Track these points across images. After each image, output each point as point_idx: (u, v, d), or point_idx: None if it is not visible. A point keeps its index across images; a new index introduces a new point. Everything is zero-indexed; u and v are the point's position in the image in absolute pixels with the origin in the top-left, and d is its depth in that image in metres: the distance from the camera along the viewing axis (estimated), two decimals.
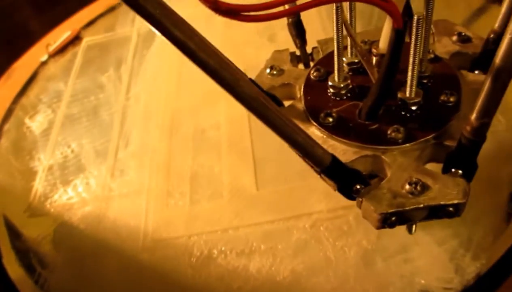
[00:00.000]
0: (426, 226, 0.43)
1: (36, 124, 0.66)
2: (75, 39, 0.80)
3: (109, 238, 0.50)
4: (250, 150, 0.54)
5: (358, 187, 0.33)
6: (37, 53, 0.80)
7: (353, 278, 0.41)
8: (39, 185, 0.57)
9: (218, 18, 0.68)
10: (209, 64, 0.25)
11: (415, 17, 0.30)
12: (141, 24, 0.79)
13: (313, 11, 0.35)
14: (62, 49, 0.79)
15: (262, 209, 0.48)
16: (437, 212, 0.31)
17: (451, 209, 0.31)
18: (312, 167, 0.33)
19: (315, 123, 0.37)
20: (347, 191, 0.34)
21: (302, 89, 0.40)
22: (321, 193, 0.48)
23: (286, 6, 0.25)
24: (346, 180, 0.33)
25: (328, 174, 0.33)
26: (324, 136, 0.36)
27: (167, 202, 0.51)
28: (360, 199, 0.33)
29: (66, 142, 0.62)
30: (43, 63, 0.78)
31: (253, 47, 0.67)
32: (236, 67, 0.27)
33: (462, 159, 0.32)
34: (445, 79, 0.37)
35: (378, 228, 0.32)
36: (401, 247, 0.42)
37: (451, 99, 0.35)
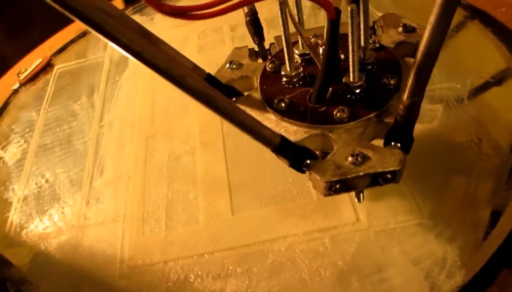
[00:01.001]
0: (401, 246, 0.44)
1: (9, 155, 0.66)
2: (47, 66, 0.80)
3: (86, 266, 0.50)
4: (226, 175, 0.54)
5: (308, 162, 0.37)
6: (9, 80, 0.80)
7: None
8: (14, 216, 0.57)
9: (192, 41, 0.69)
10: (156, 64, 0.28)
11: (349, 9, 0.35)
12: (113, 50, 0.79)
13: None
14: (33, 77, 0.79)
15: (237, 233, 0.49)
16: (377, 179, 0.36)
17: (389, 176, 0.35)
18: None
19: (270, 109, 0.42)
20: (298, 166, 0.38)
21: (258, 80, 0.45)
22: (296, 216, 0.49)
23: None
24: (296, 157, 0.38)
25: (279, 152, 0.38)
26: (278, 119, 0.41)
27: (143, 228, 0.52)
28: (309, 171, 0.37)
29: (40, 172, 0.62)
30: (15, 91, 0.77)
31: None
32: (184, 65, 0.33)
33: (399, 133, 0.37)
34: (387, 65, 0.42)
35: (325, 195, 0.37)
36: (376, 267, 0.43)
37: (392, 81, 0.40)
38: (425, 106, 0.51)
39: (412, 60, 0.36)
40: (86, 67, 0.78)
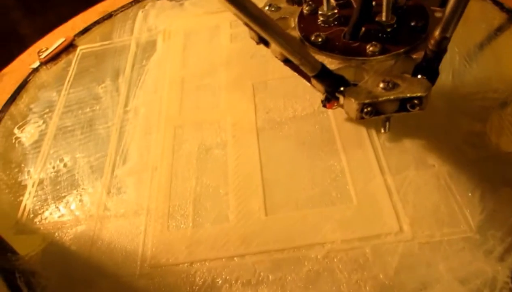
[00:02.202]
0: (447, 262, 0.41)
1: (25, 135, 0.63)
2: (69, 47, 0.77)
3: (103, 261, 0.46)
4: (259, 171, 0.51)
5: (341, 89, 0.42)
6: (28, 59, 0.77)
7: None
8: (28, 201, 0.54)
9: (223, 30, 0.67)
10: None
11: None
12: (140, 34, 0.76)
13: None
14: (55, 57, 0.75)
15: (271, 236, 0.45)
16: (405, 105, 0.41)
17: (416, 101, 0.40)
18: (305, 77, 0.45)
19: (307, 44, 0.47)
20: (333, 92, 0.43)
21: (296, 20, 0.50)
22: (335, 221, 0.45)
23: None
24: (333, 83, 0.43)
25: (318, 78, 0.42)
26: (315, 53, 0.46)
27: (168, 224, 0.48)
28: (343, 96, 0.42)
29: (59, 155, 0.58)
30: (34, 70, 0.74)
31: (261, 61, 0.65)
32: None
33: (426, 67, 0.42)
34: (416, 11, 0.48)
35: (357, 117, 0.42)
36: (420, 283, 0.40)
37: (419, 24, 0.46)
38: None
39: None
40: (111, 49, 0.74)
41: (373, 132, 0.52)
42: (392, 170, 0.48)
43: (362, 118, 0.41)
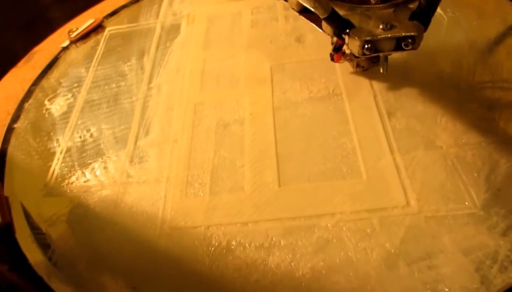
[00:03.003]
0: (452, 234, 0.43)
1: (55, 107, 0.66)
2: (98, 27, 0.80)
3: (125, 223, 0.49)
4: (274, 146, 0.53)
5: (348, 31, 0.48)
6: (58, 39, 0.80)
7: (374, 279, 0.41)
8: (56, 166, 0.57)
9: (245, 16, 0.69)
10: None
11: None
12: (166, 18, 0.79)
13: None
14: (84, 36, 0.78)
15: (283, 205, 0.48)
16: (400, 43, 0.47)
17: (409, 40, 0.47)
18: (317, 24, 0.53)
19: None
20: (340, 34, 0.50)
21: None
22: (345, 194, 0.47)
23: None
24: (341, 26, 0.49)
25: (329, 20, 0.49)
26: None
27: (187, 191, 0.51)
28: (348, 36, 0.48)
29: (85, 126, 0.61)
30: (64, 49, 0.77)
31: (280, 46, 0.68)
32: None
33: (420, 14, 0.48)
34: None
35: (359, 53, 0.49)
36: (425, 253, 0.42)
37: None
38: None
39: None
40: (137, 31, 0.78)
41: (385, 116, 0.54)
42: (401, 149, 0.50)
43: (364, 54, 0.48)
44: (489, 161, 0.48)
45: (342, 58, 0.59)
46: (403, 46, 0.47)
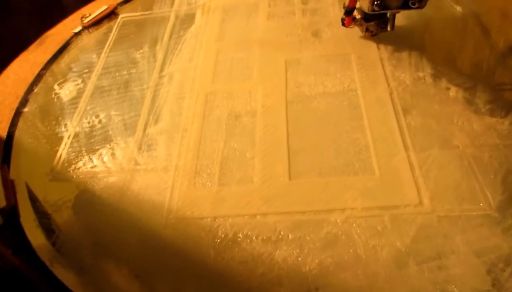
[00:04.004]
0: (465, 235, 0.41)
1: (64, 91, 0.65)
2: (111, 14, 0.79)
3: (131, 211, 0.48)
4: (285, 140, 0.52)
5: None
6: (71, 24, 0.80)
7: (382, 278, 0.40)
8: (63, 151, 0.56)
9: (262, 8, 0.68)
10: None
11: None
12: (180, 7, 0.78)
13: None
14: (97, 22, 0.78)
15: (293, 199, 0.47)
16: (408, 1, 0.54)
17: None
18: None
19: None
20: None
21: None
22: (356, 190, 0.46)
23: None
24: None
25: None
26: None
27: (195, 181, 0.50)
28: None
29: (94, 112, 0.61)
30: (77, 34, 0.76)
31: (296, 39, 0.67)
32: None
33: None
34: None
35: (369, 10, 0.56)
36: (436, 253, 0.41)
37: None
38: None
39: None
40: (151, 19, 0.77)
41: (400, 113, 0.53)
42: (416, 147, 0.49)
43: (373, 11, 0.54)
44: (506, 163, 0.47)
45: (352, 23, 0.62)
46: (410, 4, 0.53)
